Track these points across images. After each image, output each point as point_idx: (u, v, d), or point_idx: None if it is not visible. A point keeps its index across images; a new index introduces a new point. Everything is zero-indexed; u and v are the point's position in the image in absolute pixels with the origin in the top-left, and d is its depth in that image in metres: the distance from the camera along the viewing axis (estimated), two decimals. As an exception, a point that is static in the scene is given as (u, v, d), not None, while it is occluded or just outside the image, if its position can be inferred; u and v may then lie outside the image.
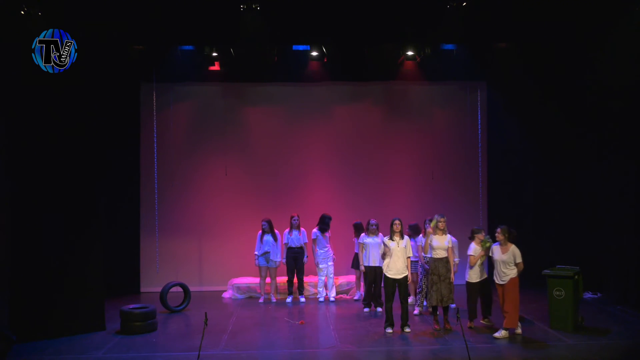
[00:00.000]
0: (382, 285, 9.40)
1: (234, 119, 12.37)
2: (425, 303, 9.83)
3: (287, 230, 11.19)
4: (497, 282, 8.67)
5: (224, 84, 12.40)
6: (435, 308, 8.99)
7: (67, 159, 8.86)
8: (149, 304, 9.47)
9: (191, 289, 10.88)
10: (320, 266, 11.11)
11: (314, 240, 11.09)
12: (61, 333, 8.72)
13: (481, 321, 9.15)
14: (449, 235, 9.02)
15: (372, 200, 12.22)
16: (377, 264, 10.11)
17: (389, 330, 8.83)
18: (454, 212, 12.32)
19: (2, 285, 8.46)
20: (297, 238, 11.11)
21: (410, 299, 10.60)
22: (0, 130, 8.57)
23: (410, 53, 11.73)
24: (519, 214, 11.99)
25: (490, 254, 8.90)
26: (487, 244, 8.95)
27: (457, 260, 9.62)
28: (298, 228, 11.14)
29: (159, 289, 10.53)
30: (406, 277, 8.94)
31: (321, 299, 11.17)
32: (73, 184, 8.91)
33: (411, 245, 9.35)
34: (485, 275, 9.12)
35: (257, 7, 9.32)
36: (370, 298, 10.30)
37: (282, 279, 11.44)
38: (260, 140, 12.40)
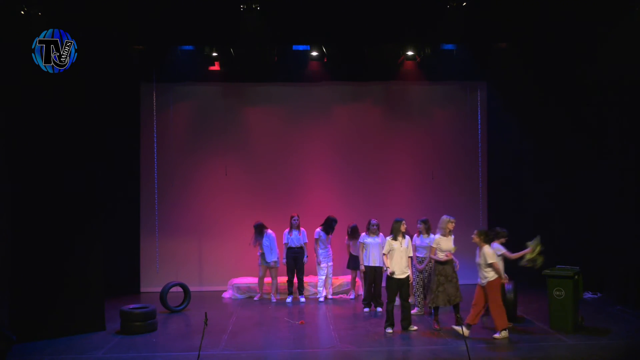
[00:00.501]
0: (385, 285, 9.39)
1: (234, 119, 12.38)
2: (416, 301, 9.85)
3: (287, 230, 11.19)
4: (479, 283, 8.64)
5: (224, 84, 12.40)
6: (437, 308, 8.98)
7: (67, 159, 8.86)
8: (149, 304, 9.47)
9: (191, 289, 10.88)
10: (322, 265, 11.12)
11: (316, 240, 11.10)
12: (61, 333, 8.72)
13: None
14: (452, 236, 9.06)
15: (372, 200, 12.23)
16: (377, 264, 10.13)
17: (389, 330, 8.83)
18: (453, 212, 12.20)
19: (2, 285, 8.46)
20: (297, 238, 11.11)
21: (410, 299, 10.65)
22: (0, 130, 8.56)
23: (410, 53, 11.73)
24: (519, 213, 12.00)
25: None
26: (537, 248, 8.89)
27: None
28: (298, 228, 11.14)
29: (159, 289, 10.53)
30: (408, 276, 8.97)
31: (321, 299, 11.19)
32: (73, 184, 8.91)
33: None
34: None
35: (257, 7, 9.31)
36: (371, 298, 10.29)
37: (282, 279, 11.45)
38: (260, 140, 12.40)
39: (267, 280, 11.35)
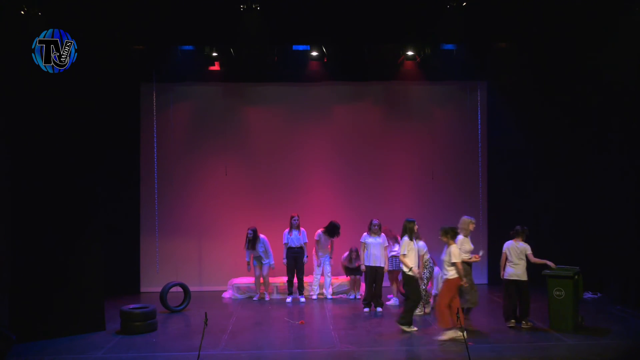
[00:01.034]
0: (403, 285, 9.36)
1: (234, 119, 12.38)
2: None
3: (287, 230, 11.19)
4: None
5: (224, 84, 12.40)
6: (469, 310, 8.89)
7: (67, 159, 8.85)
8: (149, 304, 9.47)
9: (191, 289, 10.88)
10: (319, 268, 11.20)
11: (317, 242, 11.12)
12: (61, 333, 8.72)
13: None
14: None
15: (371, 200, 12.23)
16: (378, 264, 10.13)
17: (416, 328, 8.83)
18: (453, 211, 12.25)
19: (2, 285, 8.46)
20: (297, 238, 11.12)
21: (392, 301, 10.64)
22: (0, 130, 8.56)
23: (410, 53, 11.72)
24: (519, 213, 11.97)
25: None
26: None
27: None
28: (298, 228, 11.14)
29: (159, 289, 10.53)
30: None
31: (314, 297, 11.26)
32: (73, 184, 8.91)
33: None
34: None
35: (257, 7, 9.32)
36: (371, 298, 10.29)
37: (282, 279, 11.46)
38: (260, 140, 12.40)
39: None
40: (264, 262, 11.20)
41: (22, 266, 8.56)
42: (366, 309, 10.27)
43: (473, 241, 9.21)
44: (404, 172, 12.54)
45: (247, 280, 11.71)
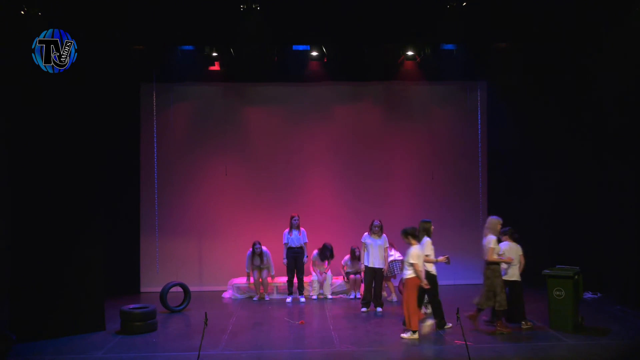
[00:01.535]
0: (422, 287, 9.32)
1: (234, 119, 12.38)
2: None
3: (286, 230, 11.20)
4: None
5: (224, 84, 12.40)
6: (502, 312, 8.74)
7: (67, 159, 8.85)
8: (149, 304, 9.47)
9: (191, 289, 10.88)
10: (316, 273, 11.33)
11: (313, 261, 11.40)
12: (61, 333, 8.72)
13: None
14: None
15: (371, 200, 12.23)
16: (377, 266, 10.13)
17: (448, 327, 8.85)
18: (453, 211, 12.36)
19: (2, 285, 8.46)
20: (297, 238, 11.12)
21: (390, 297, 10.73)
22: (0, 130, 8.57)
23: (410, 53, 11.72)
24: (519, 213, 11.97)
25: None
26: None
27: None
28: (298, 228, 11.15)
29: (159, 289, 10.53)
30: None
31: (314, 297, 11.29)
32: (73, 183, 8.90)
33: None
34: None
35: (257, 7, 9.32)
36: (370, 298, 10.29)
37: (282, 279, 11.46)
38: (260, 140, 12.40)
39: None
40: (263, 267, 11.25)
41: (22, 266, 8.56)
42: (364, 309, 10.25)
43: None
44: (404, 172, 12.54)
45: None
